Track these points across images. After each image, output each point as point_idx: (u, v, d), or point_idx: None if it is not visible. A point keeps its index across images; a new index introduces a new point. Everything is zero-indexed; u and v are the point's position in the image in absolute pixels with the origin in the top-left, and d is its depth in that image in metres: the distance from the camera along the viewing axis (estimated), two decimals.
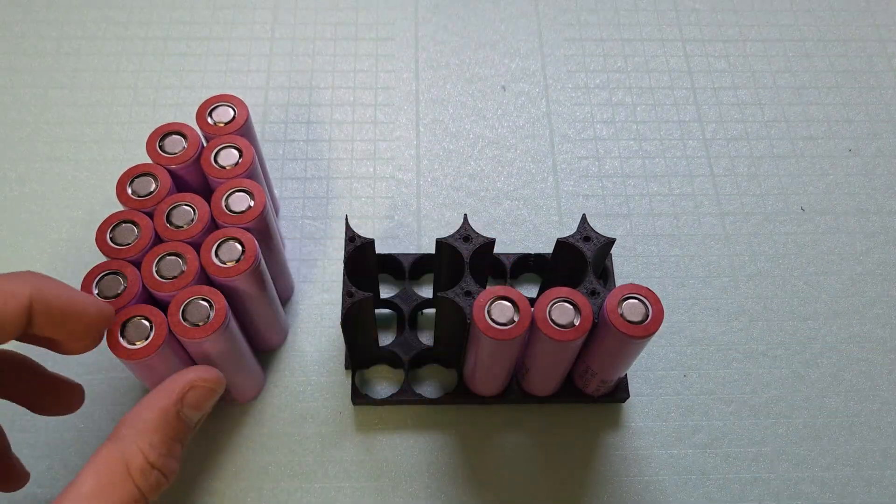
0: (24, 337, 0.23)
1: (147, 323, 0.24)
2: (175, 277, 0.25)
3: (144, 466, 0.22)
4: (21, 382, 0.25)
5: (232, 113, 0.29)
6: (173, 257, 0.26)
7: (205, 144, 0.29)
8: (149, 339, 0.24)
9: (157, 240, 0.26)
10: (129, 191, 0.27)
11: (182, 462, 0.25)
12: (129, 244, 0.26)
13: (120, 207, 0.27)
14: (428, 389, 0.32)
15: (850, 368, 0.33)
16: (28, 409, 0.26)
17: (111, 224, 0.26)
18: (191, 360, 0.27)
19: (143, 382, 0.27)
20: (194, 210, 0.27)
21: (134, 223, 0.26)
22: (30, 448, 0.30)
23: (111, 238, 0.26)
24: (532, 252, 0.34)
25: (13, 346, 0.24)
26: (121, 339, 0.24)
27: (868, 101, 0.40)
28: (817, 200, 0.37)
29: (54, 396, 0.26)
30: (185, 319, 0.25)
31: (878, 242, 0.36)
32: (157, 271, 0.25)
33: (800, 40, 0.42)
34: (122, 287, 0.25)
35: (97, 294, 0.25)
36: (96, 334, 0.24)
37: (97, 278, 0.25)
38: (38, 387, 0.26)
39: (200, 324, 0.25)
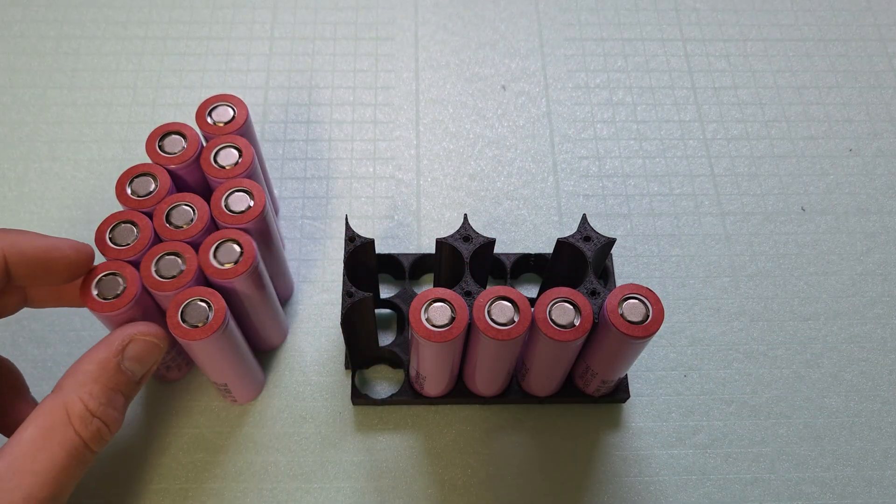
0: (14, 294, 0.24)
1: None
2: (174, 277, 0.25)
3: (84, 414, 0.23)
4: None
5: (231, 113, 0.29)
6: (172, 257, 0.26)
7: (204, 144, 0.29)
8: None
9: (157, 240, 0.26)
10: (129, 191, 0.27)
11: (180, 460, 0.25)
12: (128, 244, 0.26)
13: (119, 207, 0.27)
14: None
15: (850, 368, 0.33)
16: None
17: (110, 224, 0.26)
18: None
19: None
20: (194, 210, 0.27)
21: (133, 223, 0.26)
22: None
23: (110, 238, 0.26)
24: (532, 252, 0.34)
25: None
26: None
27: (869, 101, 0.40)
28: (818, 200, 0.37)
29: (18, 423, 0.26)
30: (184, 321, 0.25)
31: (878, 242, 0.36)
32: (156, 271, 0.25)
33: (800, 40, 0.42)
34: (121, 287, 0.25)
35: (95, 295, 0.25)
36: (79, 275, 0.25)
37: (96, 279, 0.25)
38: (5, 410, 0.26)
39: (199, 325, 0.25)
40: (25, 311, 0.31)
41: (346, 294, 0.27)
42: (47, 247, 0.24)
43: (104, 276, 0.25)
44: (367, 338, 0.30)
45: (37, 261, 0.23)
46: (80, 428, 0.23)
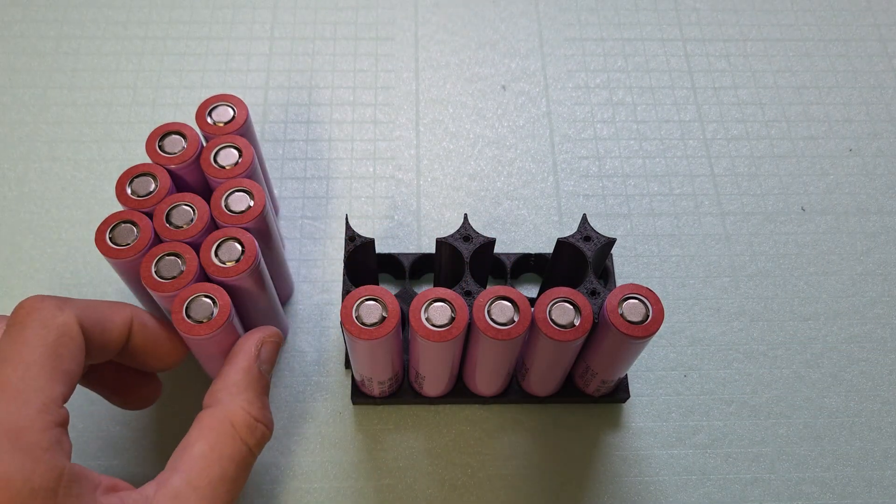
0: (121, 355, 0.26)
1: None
2: (174, 277, 0.25)
3: (249, 421, 0.24)
4: (107, 376, 0.27)
5: (231, 113, 0.29)
6: (172, 257, 0.26)
7: (204, 144, 0.29)
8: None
9: (157, 240, 0.26)
10: (129, 191, 0.27)
11: None
12: (128, 244, 0.26)
13: (119, 207, 0.27)
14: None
15: (850, 368, 0.33)
16: (113, 402, 0.28)
17: (110, 224, 0.26)
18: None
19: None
20: (194, 210, 0.27)
21: (133, 223, 0.26)
22: None
23: (110, 238, 0.26)
24: (532, 252, 0.34)
25: None
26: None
27: (869, 101, 0.40)
28: (818, 200, 0.37)
29: (136, 389, 0.28)
30: (188, 317, 0.25)
31: (878, 242, 0.36)
32: (156, 272, 0.25)
33: (800, 40, 0.42)
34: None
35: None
36: (181, 354, 0.26)
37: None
38: (121, 381, 0.27)
39: (204, 321, 0.25)
40: None
41: (346, 294, 0.27)
42: (164, 333, 0.26)
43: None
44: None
45: (152, 342, 0.25)
46: (247, 436, 0.24)
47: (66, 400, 0.22)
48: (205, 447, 0.23)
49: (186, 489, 0.22)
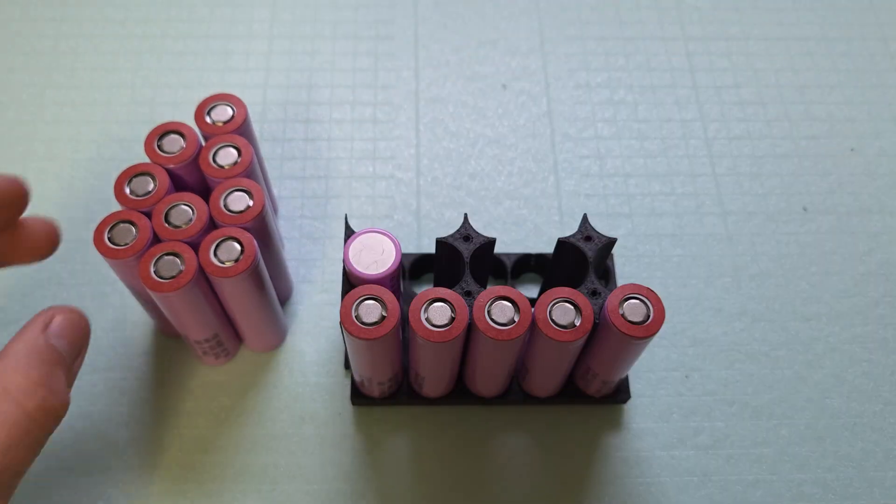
0: None
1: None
2: (173, 277, 0.25)
3: (24, 385, 0.22)
4: None
5: (230, 112, 0.29)
6: (171, 257, 0.25)
7: (203, 143, 0.29)
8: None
9: (156, 240, 0.26)
10: (127, 190, 0.27)
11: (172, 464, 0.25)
12: (126, 244, 0.26)
13: (117, 207, 0.27)
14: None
15: (852, 369, 0.33)
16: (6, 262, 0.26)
17: (109, 224, 0.26)
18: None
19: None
20: (193, 210, 0.26)
21: (132, 223, 0.26)
22: None
23: (109, 238, 0.26)
24: (533, 252, 0.34)
25: None
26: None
27: (871, 100, 0.40)
28: (820, 200, 0.37)
29: (25, 240, 0.26)
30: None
31: (881, 242, 0.36)
32: (154, 271, 0.25)
33: (802, 39, 0.42)
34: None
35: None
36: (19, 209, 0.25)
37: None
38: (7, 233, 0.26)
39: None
40: None
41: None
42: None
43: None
44: None
45: None
46: (24, 400, 0.22)
47: None
48: None
49: None
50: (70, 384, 0.24)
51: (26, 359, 0.23)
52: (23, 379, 0.23)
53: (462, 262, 0.27)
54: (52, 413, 0.23)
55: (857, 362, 0.33)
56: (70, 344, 0.24)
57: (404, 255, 0.33)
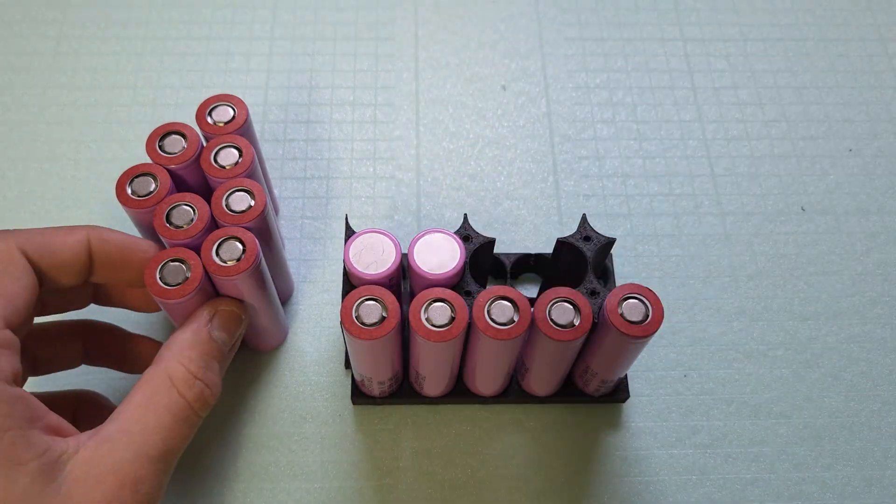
0: (95, 294, 0.28)
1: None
2: (179, 284, 0.25)
3: (187, 376, 0.25)
4: (110, 347, 0.29)
5: (232, 112, 0.29)
6: (177, 263, 0.25)
7: (204, 144, 0.29)
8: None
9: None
10: (129, 191, 0.27)
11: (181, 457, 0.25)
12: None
13: (119, 207, 0.27)
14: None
15: (850, 368, 0.33)
16: (120, 370, 0.29)
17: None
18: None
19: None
20: (194, 210, 0.27)
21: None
22: None
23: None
24: (532, 252, 0.34)
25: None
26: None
27: (868, 101, 0.40)
28: (818, 200, 0.37)
29: (140, 355, 0.29)
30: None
31: (878, 242, 0.36)
32: (160, 278, 0.25)
33: (800, 40, 0.42)
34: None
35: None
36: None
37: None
38: (125, 349, 0.29)
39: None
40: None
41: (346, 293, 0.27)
42: (129, 242, 0.26)
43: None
44: None
45: (118, 253, 0.26)
46: (185, 390, 0.24)
47: (10, 324, 0.22)
48: (141, 397, 0.24)
49: (118, 433, 0.23)
50: (223, 372, 0.27)
51: (189, 350, 0.25)
52: (184, 370, 0.25)
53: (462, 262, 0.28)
54: (207, 402, 0.25)
55: (855, 362, 0.33)
56: (229, 335, 0.27)
57: (404, 256, 0.33)
